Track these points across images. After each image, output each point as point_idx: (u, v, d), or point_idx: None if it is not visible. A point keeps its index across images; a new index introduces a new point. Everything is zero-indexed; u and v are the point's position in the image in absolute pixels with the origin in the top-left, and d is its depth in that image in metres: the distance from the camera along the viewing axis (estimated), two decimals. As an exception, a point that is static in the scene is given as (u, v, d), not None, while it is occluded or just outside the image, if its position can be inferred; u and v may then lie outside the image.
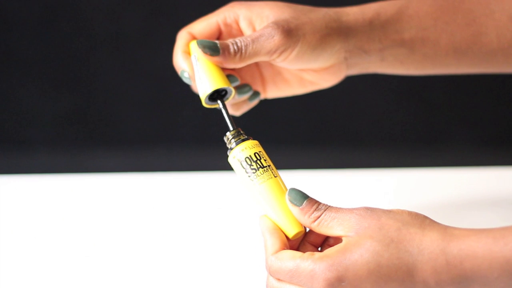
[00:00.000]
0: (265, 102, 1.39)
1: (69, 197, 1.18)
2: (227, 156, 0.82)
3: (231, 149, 0.81)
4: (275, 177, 0.79)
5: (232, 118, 0.86)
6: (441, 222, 0.76)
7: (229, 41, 0.89)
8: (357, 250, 0.73)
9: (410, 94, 1.43)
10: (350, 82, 1.24)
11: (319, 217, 0.77)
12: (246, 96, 0.95)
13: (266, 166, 0.80)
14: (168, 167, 1.36)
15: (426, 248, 0.73)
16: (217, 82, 0.88)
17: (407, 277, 0.73)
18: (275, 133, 1.43)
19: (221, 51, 0.88)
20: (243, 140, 0.81)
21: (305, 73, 0.96)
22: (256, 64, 0.97)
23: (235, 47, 0.88)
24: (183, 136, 1.43)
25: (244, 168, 0.80)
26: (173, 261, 0.99)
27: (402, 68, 0.96)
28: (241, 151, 0.80)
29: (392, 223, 0.74)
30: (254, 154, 0.80)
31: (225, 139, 0.82)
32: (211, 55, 0.88)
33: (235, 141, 0.81)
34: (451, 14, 0.94)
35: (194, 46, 0.90)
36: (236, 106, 0.96)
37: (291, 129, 1.44)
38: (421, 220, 0.75)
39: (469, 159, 1.41)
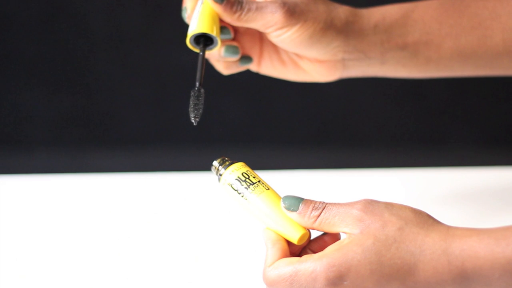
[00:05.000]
0: (266, 102, 1.39)
1: (69, 197, 1.18)
2: (219, 183, 0.82)
3: (220, 175, 0.81)
4: (267, 189, 0.79)
5: (203, 70, 0.89)
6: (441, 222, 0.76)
7: (237, 0, 0.92)
8: (360, 250, 0.73)
9: (410, 94, 1.43)
10: (350, 82, 1.24)
11: (319, 215, 0.76)
12: (232, 57, 0.96)
13: (255, 182, 0.80)
14: (168, 167, 1.36)
15: (428, 248, 0.73)
16: (208, 27, 0.91)
17: (409, 277, 0.73)
18: (275, 133, 1.43)
19: (224, 2, 0.91)
20: (229, 165, 0.82)
21: (300, 60, 0.96)
22: (260, 36, 0.97)
23: (239, 6, 0.91)
24: (183, 136, 1.43)
25: (235, 189, 0.80)
26: (173, 261, 0.99)
27: (405, 71, 0.96)
28: (230, 174, 0.81)
29: (395, 221, 0.74)
30: (242, 174, 0.80)
31: (212, 169, 0.83)
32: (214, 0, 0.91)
33: (222, 167, 0.82)
34: (457, 17, 0.94)
35: None
36: (226, 64, 0.97)
37: (291, 129, 1.44)
38: (424, 219, 0.75)
39: (469, 159, 1.41)
